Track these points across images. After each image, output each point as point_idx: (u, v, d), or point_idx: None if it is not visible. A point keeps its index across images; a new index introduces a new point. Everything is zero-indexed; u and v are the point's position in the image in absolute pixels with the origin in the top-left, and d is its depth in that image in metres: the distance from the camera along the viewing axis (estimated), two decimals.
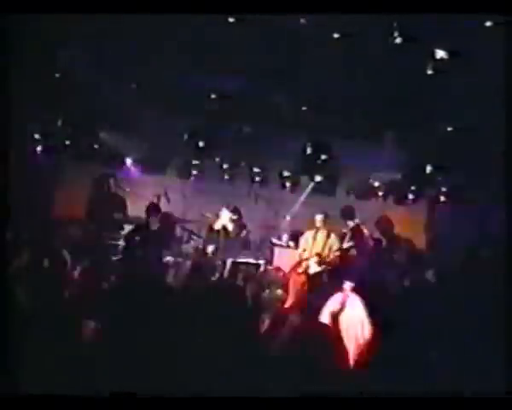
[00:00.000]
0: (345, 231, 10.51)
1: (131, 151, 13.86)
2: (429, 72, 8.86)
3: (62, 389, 4.14)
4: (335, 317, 5.83)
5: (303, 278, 10.06)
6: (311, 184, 14.15)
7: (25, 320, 4.74)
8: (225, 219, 12.78)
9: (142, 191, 12.90)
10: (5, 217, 5.71)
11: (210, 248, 12.53)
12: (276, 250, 12.99)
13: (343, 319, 5.83)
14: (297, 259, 10.34)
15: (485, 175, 11.48)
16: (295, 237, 13.56)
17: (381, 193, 14.05)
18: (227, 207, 12.86)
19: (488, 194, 11.38)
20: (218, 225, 12.74)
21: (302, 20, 8.06)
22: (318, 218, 10.24)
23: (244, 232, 13.25)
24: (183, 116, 12.35)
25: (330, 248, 10.10)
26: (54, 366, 4.35)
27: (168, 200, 12.49)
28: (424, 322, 4.79)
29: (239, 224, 12.86)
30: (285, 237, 13.68)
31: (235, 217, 12.74)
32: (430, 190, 13.65)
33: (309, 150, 12.65)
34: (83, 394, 4.12)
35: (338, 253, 10.13)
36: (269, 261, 12.54)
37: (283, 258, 12.70)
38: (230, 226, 12.62)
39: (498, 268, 10.02)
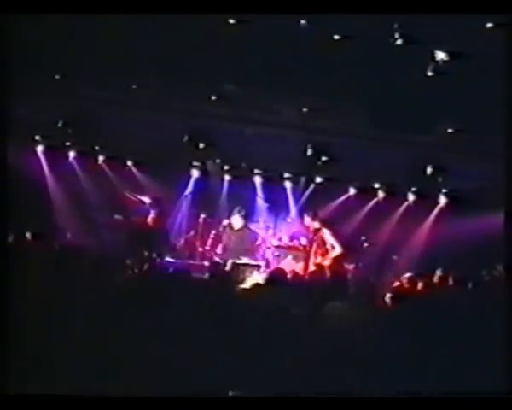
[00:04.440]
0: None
1: (132, 152, 13.84)
2: (430, 73, 8.86)
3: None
4: None
5: None
6: (312, 186, 14.15)
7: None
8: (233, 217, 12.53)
9: (142, 192, 12.90)
10: (5, 217, 5.71)
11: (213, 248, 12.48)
12: (277, 252, 12.98)
13: None
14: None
15: (486, 176, 11.48)
16: (296, 238, 13.57)
17: (381, 194, 14.03)
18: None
19: (488, 195, 11.38)
20: (224, 223, 12.53)
21: (302, 22, 8.05)
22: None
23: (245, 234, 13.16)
24: (184, 117, 12.34)
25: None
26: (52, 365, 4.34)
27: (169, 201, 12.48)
28: (424, 322, 4.79)
29: (244, 222, 12.61)
30: (285, 238, 13.67)
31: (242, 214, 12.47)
32: (430, 190, 13.65)
33: (309, 151, 12.63)
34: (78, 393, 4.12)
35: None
36: (269, 263, 12.53)
37: (283, 259, 12.71)
38: (237, 222, 12.37)
39: (498, 268, 10.06)
